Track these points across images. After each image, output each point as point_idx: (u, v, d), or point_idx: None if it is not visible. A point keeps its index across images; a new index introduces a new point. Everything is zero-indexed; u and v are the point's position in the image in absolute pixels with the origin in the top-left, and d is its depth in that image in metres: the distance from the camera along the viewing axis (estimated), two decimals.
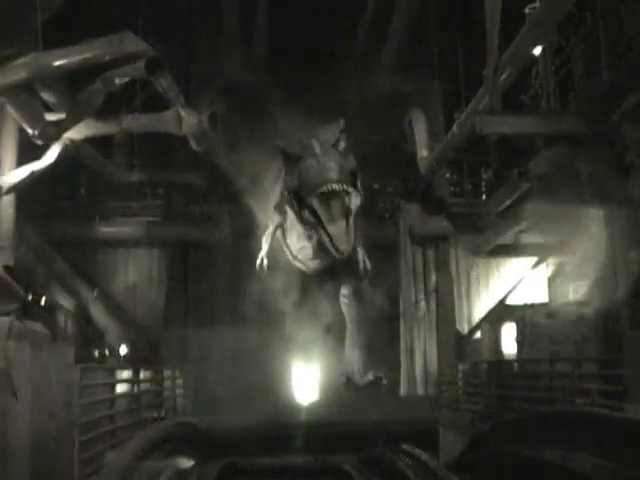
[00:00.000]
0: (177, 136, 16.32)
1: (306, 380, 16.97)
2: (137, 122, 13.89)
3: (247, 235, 16.77)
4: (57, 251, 17.85)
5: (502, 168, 19.12)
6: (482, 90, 12.63)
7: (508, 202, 16.96)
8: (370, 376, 16.09)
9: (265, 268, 14.54)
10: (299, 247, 14.54)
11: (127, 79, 11.70)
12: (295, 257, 14.91)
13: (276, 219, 14.56)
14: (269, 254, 15.04)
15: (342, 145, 12.12)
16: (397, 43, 19.14)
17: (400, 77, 18.70)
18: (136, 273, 20.02)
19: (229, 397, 15.65)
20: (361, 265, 15.16)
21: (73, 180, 20.04)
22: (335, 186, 10.95)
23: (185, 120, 13.47)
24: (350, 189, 11.24)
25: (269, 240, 14.97)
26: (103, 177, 18.54)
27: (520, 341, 14.34)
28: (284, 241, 15.08)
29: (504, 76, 11.94)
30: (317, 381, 16.92)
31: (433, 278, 19.50)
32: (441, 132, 18.93)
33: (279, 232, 14.99)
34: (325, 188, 11.00)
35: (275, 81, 17.72)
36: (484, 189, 20.86)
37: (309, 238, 13.75)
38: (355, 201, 11.49)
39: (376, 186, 20.01)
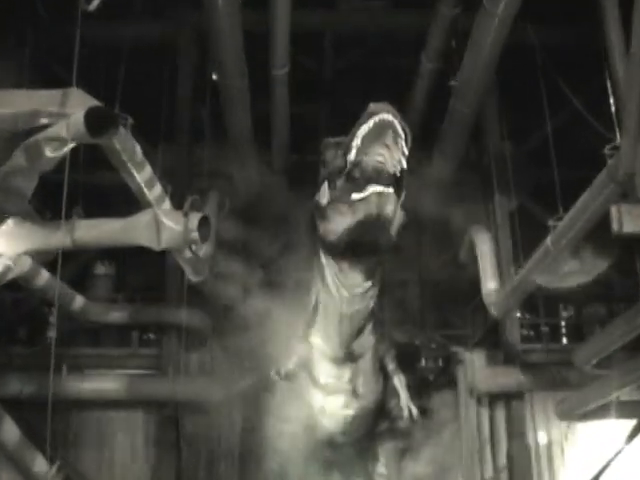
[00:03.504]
0: (175, 266, 13.46)
1: None
2: (96, 230, 9.54)
3: (260, 396, 13.56)
4: (8, 411, 13.75)
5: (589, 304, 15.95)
6: (604, 175, 8.65)
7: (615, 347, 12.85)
8: None
9: (283, 375, 11.44)
10: (327, 390, 11.40)
11: (65, 150, 7.50)
12: (322, 409, 11.65)
13: (300, 350, 11.31)
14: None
15: None
16: (451, 151, 15.39)
17: (454, 191, 15.16)
18: (114, 442, 15.62)
19: None
20: (405, 412, 11.95)
21: (37, 319, 16.06)
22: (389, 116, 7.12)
23: (165, 227, 9.26)
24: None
25: (288, 374, 11.64)
26: (73, 316, 14.66)
27: None
28: (308, 386, 11.73)
29: None
30: None
31: (504, 448, 15.44)
32: (509, 258, 15.38)
33: (303, 376, 11.65)
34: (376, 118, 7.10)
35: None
36: (564, 331, 16.87)
37: (340, 377, 10.93)
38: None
39: (417, 342, 16.67)
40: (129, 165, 9.36)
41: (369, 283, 9.01)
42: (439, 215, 14.62)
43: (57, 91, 7.64)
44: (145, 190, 10.00)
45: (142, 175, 9.73)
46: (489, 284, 14.24)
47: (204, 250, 11.75)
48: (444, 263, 16.71)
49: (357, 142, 7.28)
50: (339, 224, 7.87)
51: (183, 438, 15.33)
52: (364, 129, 7.18)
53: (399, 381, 12.08)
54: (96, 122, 7.21)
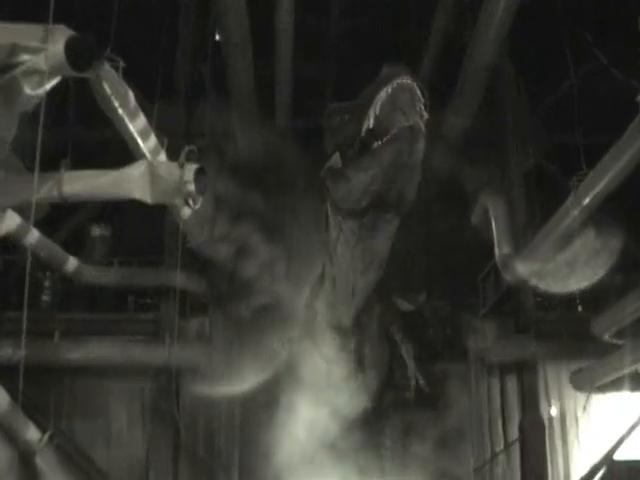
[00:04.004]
0: (175, 228, 13.04)
1: None
2: (85, 182, 8.85)
3: (262, 365, 12.77)
4: None
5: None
6: (637, 123, 7.98)
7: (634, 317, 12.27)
8: None
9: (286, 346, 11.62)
10: (331, 360, 11.27)
11: (45, 88, 6.78)
12: (326, 380, 11.48)
13: (304, 319, 11.37)
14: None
15: None
16: (465, 109, 14.58)
17: (467, 152, 14.40)
18: (110, 411, 14.88)
19: None
20: (412, 383, 12.01)
21: (31, 282, 15.20)
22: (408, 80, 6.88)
23: (159, 179, 8.57)
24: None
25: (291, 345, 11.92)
26: (67, 278, 14.12)
27: None
28: (311, 356, 11.64)
29: None
30: None
31: (516, 420, 14.72)
32: (525, 221, 14.70)
33: (307, 346, 11.66)
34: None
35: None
36: (578, 299, 15.83)
37: (345, 346, 10.76)
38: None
39: (424, 311, 15.72)
40: (121, 112, 8.74)
41: (387, 251, 8.76)
42: (450, 177, 14.01)
43: (39, 25, 6.89)
44: (139, 141, 9.35)
45: (135, 124, 9.10)
46: (504, 249, 13.63)
47: (201, 206, 11.14)
48: (454, 228, 15.99)
49: (375, 109, 6.96)
50: (362, 179, 7.49)
51: (181, 408, 14.64)
52: (382, 95, 6.87)
53: (406, 351, 11.83)
54: (77, 53, 6.47)
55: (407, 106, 6.91)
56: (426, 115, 6.98)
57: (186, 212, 11.09)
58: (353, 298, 9.45)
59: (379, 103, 6.92)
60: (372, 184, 7.43)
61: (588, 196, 9.88)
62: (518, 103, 15.39)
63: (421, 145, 6.94)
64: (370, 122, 7.03)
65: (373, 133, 7.10)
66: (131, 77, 8.96)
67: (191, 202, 8.93)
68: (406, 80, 6.78)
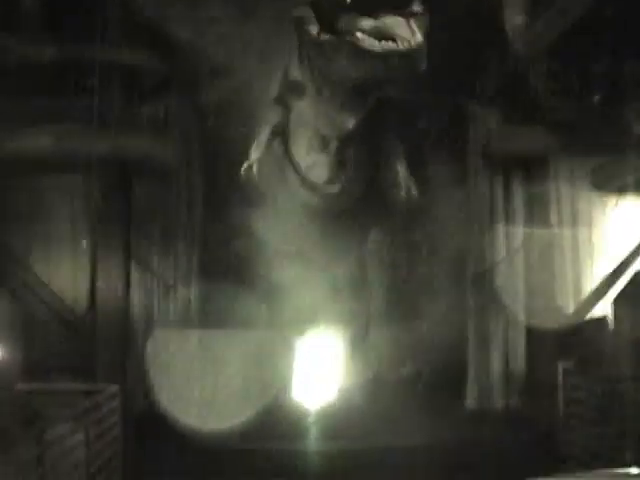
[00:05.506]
0: None
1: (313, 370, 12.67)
2: None
3: (226, 153, 12.24)
4: None
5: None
6: None
7: None
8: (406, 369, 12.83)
9: (255, 175, 11.02)
10: (309, 163, 11.17)
11: None
12: (303, 180, 11.30)
13: (274, 117, 10.85)
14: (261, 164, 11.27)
15: None
16: None
17: None
18: (45, 215, 13.13)
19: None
20: (402, 191, 11.72)
21: None
22: None
23: None
24: None
25: (261, 148, 11.24)
26: None
27: None
28: (286, 155, 11.38)
29: None
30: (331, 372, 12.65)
31: (520, 224, 13.42)
32: None
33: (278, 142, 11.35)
34: None
35: None
36: (595, 86, 13.97)
37: (324, 147, 10.62)
38: None
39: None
40: None
41: None
42: None
43: None
44: None
45: None
46: (515, 18, 12.36)
47: None
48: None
49: None
50: (347, 68, 7.47)
51: (132, 209, 13.20)
52: None
53: (394, 148, 11.58)
54: None
55: None
56: None
57: None
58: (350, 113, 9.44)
59: None
60: (361, 74, 7.65)
61: None
62: None
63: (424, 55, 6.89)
64: None
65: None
66: None
67: None
68: None
